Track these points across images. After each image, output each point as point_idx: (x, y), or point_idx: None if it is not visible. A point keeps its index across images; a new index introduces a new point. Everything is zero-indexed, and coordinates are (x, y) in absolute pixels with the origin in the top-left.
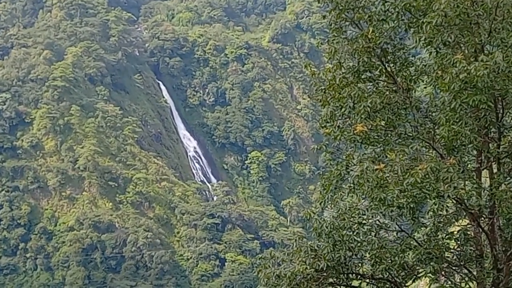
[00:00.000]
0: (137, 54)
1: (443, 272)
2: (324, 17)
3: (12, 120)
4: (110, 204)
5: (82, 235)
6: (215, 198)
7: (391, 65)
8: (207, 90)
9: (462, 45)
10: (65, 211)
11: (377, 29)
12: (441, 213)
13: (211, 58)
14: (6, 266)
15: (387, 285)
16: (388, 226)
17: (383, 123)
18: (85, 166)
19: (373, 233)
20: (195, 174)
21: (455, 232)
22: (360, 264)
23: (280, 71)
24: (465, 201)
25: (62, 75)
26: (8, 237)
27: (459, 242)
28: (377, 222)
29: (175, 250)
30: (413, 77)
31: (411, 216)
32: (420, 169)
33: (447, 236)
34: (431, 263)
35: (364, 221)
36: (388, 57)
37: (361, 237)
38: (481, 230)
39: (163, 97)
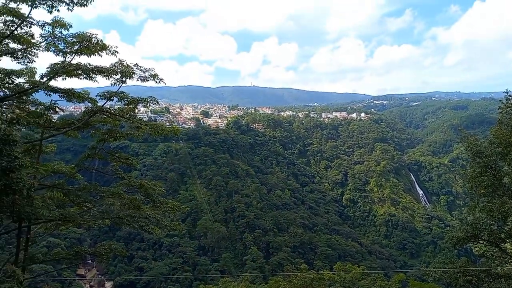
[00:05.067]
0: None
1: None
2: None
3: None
4: (395, 207)
5: (386, 217)
6: (428, 209)
7: (493, 171)
8: (427, 174)
9: None
10: (380, 209)
11: (487, 159)
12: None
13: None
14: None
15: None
16: (491, 223)
17: (490, 189)
18: (384, 195)
19: (486, 224)
20: (422, 201)
21: None
22: (480, 233)
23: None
24: None
25: None
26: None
27: None
28: (488, 221)
29: (413, 220)
30: (503, 172)
31: (501, 218)
32: (506, 204)
33: None
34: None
35: (482, 221)
36: (493, 170)
37: (480, 224)
38: None
39: (412, 177)
